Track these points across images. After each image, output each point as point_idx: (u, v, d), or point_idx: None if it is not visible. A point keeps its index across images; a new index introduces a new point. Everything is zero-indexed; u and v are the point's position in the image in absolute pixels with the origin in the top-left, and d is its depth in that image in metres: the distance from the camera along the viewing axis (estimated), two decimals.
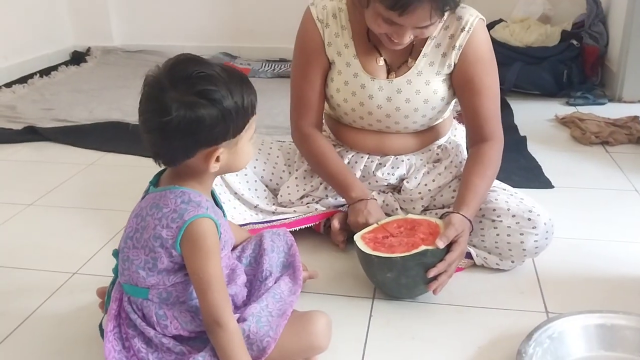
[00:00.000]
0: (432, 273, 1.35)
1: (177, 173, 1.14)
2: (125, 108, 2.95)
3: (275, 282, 1.28)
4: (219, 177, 1.62)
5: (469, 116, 1.59)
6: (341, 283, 1.53)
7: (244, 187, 1.72)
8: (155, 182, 1.17)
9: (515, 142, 2.46)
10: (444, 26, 1.55)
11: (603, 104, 2.97)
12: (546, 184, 2.12)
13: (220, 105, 1.04)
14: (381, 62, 1.59)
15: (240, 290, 1.23)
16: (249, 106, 1.10)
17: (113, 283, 1.24)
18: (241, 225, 1.61)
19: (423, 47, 1.57)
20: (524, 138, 2.53)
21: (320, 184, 1.71)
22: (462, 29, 1.53)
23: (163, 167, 1.14)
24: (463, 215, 1.42)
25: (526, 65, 3.11)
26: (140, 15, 4.07)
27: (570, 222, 1.80)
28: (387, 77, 1.59)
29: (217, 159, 1.10)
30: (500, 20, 3.37)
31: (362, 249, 1.41)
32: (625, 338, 1.25)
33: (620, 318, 1.28)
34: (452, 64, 1.56)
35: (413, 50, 1.58)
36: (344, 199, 1.64)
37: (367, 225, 1.50)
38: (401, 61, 1.59)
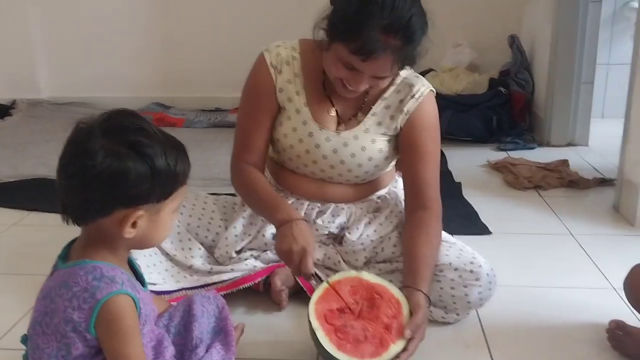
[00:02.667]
0: None
1: (88, 241, 1.05)
2: (52, 163, 2.70)
3: (206, 351, 1.20)
4: None
5: (409, 181, 1.59)
6: (281, 347, 1.46)
7: (177, 246, 1.64)
8: (64, 255, 1.07)
9: (450, 189, 2.47)
10: (396, 90, 1.58)
11: (533, 148, 3.06)
12: (484, 230, 2.13)
13: (150, 161, 0.98)
14: (333, 112, 1.60)
15: None
16: (180, 173, 1.04)
17: None
18: (174, 291, 1.53)
19: (374, 105, 1.59)
20: (459, 184, 2.56)
21: (258, 232, 1.65)
22: (412, 96, 1.56)
23: (71, 224, 1.04)
24: (423, 293, 1.38)
25: (457, 112, 3.18)
26: (69, 65, 3.95)
27: (510, 269, 1.80)
28: (337, 129, 1.59)
29: (134, 225, 1.01)
30: (430, 70, 3.45)
31: (323, 346, 1.25)
32: None
33: None
34: (399, 127, 1.59)
35: (364, 106, 1.60)
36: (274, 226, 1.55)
37: (291, 252, 1.39)
38: (351, 114, 1.60)
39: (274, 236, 1.51)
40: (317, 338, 1.27)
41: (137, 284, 1.08)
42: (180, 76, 3.91)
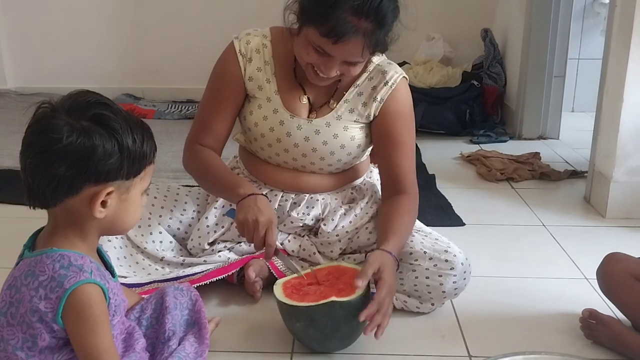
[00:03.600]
0: (362, 317, 1.27)
1: (55, 228, 1.01)
2: (18, 155, 2.73)
3: (179, 344, 1.18)
4: None
5: (386, 170, 1.59)
6: (257, 338, 1.44)
7: (148, 239, 1.60)
8: (31, 244, 1.04)
9: (424, 181, 2.48)
10: (369, 77, 1.57)
11: (505, 141, 3.08)
12: (457, 221, 2.14)
13: (117, 135, 0.96)
14: (304, 100, 1.58)
15: (140, 357, 1.12)
16: (147, 150, 1.01)
17: None
18: (146, 283, 1.50)
19: (346, 92, 1.57)
20: (433, 176, 2.57)
21: (232, 223, 1.63)
22: (385, 83, 1.55)
23: (38, 208, 1.00)
24: (383, 249, 1.38)
25: (431, 105, 3.19)
26: (35, 55, 3.85)
27: (484, 260, 1.81)
28: (308, 117, 1.57)
29: (104, 204, 0.98)
30: (404, 63, 3.46)
31: (275, 294, 1.34)
32: None
33: (542, 359, 1.26)
34: (372, 115, 1.57)
35: (336, 93, 1.58)
36: (232, 201, 1.51)
37: (257, 222, 1.38)
38: (323, 101, 1.58)
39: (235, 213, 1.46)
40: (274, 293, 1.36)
41: (107, 273, 1.05)
42: (150, 66, 3.84)
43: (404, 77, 1.58)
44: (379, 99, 1.55)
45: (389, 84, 1.55)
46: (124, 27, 3.80)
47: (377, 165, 1.73)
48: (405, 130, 1.57)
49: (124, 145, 0.97)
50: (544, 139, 3.14)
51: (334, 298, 1.29)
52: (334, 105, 1.58)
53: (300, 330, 1.34)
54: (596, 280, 1.49)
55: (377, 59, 1.57)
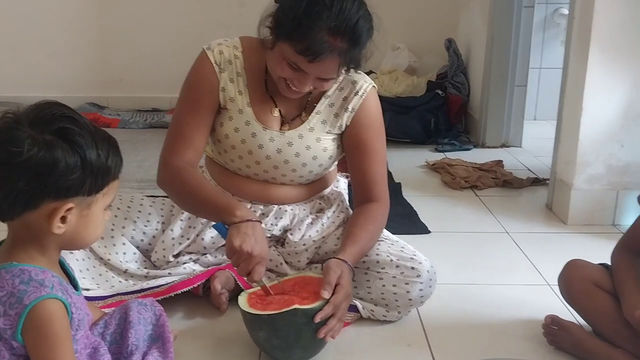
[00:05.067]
0: (318, 317, 1.29)
1: (15, 242, 0.99)
2: None
3: (142, 358, 1.16)
4: None
5: (357, 178, 1.60)
6: (223, 350, 1.42)
7: (111, 250, 1.57)
8: None
9: (391, 189, 2.45)
10: (339, 87, 1.57)
11: (469, 149, 3.13)
12: (423, 229, 2.16)
13: (81, 151, 0.94)
14: (276, 112, 1.57)
15: None
16: (112, 166, 1.00)
17: None
18: (109, 296, 1.47)
19: (317, 103, 1.57)
20: (399, 185, 2.59)
21: (197, 235, 1.61)
22: (356, 93, 1.56)
23: None
24: (339, 258, 1.40)
25: (396, 114, 3.22)
26: None
27: (449, 268, 1.83)
28: (281, 129, 1.57)
29: (64, 219, 0.96)
30: (370, 72, 3.48)
31: (239, 304, 1.34)
32: None
33: None
34: (344, 125, 1.58)
35: (307, 105, 1.58)
36: (226, 222, 1.42)
37: (250, 256, 1.33)
38: (295, 114, 1.58)
39: (228, 233, 1.39)
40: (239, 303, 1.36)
41: (70, 287, 1.03)
42: (115, 75, 3.80)
43: (373, 86, 1.59)
44: (350, 109, 1.56)
45: (360, 93, 1.56)
46: (88, 35, 3.75)
47: (345, 173, 1.74)
48: (376, 138, 1.59)
49: (87, 161, 0.95)
50: (507, 147, 3.20)
51: (296, 306, 1.29)
52: (306, 117, 1.58)
53: (264, 339, 1.33)
54: (558, 287, 1.52)
55: None
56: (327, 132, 1.58)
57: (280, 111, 1.58)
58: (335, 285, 1.34)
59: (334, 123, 1.58)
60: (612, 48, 2.08)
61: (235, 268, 1.38)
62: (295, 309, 1.28)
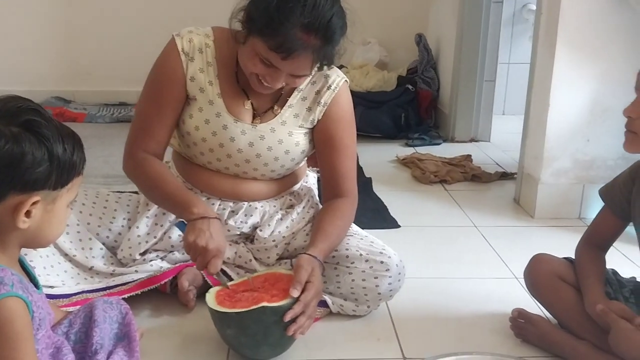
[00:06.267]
0: (288, 316, 1.28)
1: None
2: None
3: (108, 357, 1.15)
4: None
5: (327, 173, 1.59)
6: (190, 348, 1.41)
7: (77, 246, 1.54)
8: None
9: (361, 184, 2.48)
10: (312, 81, 1.56)
11: (438, 144, 3.14)
12: (393, 223, 2.17)
13: (48, 143, 0.94)
14: (248, 105, 1.54)
15: None
16: (77, 161, 0.99)
17: None
18: (75, 294, 1.45)
19: (290, 97, 1.56)
20: (370, 179, 2.59)
21: (164, 233, 1.59)
22: (329, 87, 1.54)
23: None
24: (310, 255, 1.39)
25: (367, 109, 3.22)
26: None
27: (418, 262, 1.84)
28: (252, 122, 1.55)
29: (29, 214, 0.95)
30: (342, 67, 3.47)
31: (207, 302, 1.32)
32: None
33: (473, 359, 1.29)
34: (316, 120, 1.57)
35: (280, 99, 1.56)
36: (184, 219, 1.45)
37: (205, 250, 1.35)
38: (267, 107, 1.56)
39: (185, 230, 1.41)
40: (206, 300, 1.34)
41: (30, 285, 1.02)
42: (82, 69, 3.73)
43: (345, 80, 1.58)
44: (322, 102, 1.55)
45: (332, 87, 1.55)
46: (54, 28, 3.68)
47: (315, 168, 1.73)
48: (346, 133, 1.58)
49: (54, 154, 0.95)
50: (476, 141, 3.22)
51: (264, 304, 1.28)
52: (278, 111, 1.56)
53: (232, 337, 1.32)
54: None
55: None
56: (300, 126, 1.57)
57: (252, 104, 1.55)
58: (306, 283, 1.33)
59: (307, 117, 1.56)
60: (579, 44, 2.11)
61: (184, 254, 1.40)
62: (263, 307, 1.27)
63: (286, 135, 1.56)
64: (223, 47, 1.53)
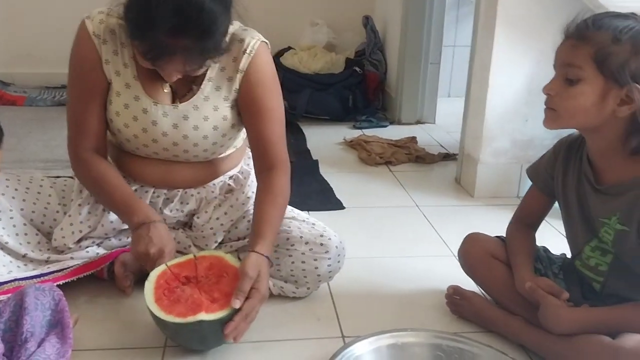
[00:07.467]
0: (228, 329, 1.26)
1: None
2: None
3: (39, 346, 1.12)
4: None
5: (254, 141, 1.53)
6: (128, 334, 1.39)
7: (10, 232, 1.50)
8: None
9: (308, 166, 2.52)
10: (227, 49, 1.48)
11: (385, 126, 3.17)
12: (338, 205, 2.19)
13: None
14: (167, 88, 1.48)
15: None
16: None
17: None
18: (6, 282, 1.40)
19: (208, 70, 1.48)
20: (316, 162, 2.60)
21: (99, 222, 1.55)
22: (244, 52, 1.47)
23: None
24: (258, 253, 1.35)
25: (315, 91, 3.22)
26: None
27: (361, 242, 1.86)
28: (173, 103, 1.49)
29: None
30: (289, 48, 3.45)
31: (146, 298, 1.28)
32: (415, 355, 1.30)
33: (409, 336, 1.32)
34: (238, 88, 1.50)
35: (198, 76, 1.48)
36: (128, 227, 1.47)
37: (147, 255, 1.36)
38: (186, 88, 1.49)
39: (131, 236, 1.43)
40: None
41: None
42: (22, 50, 3.61)
43: (262, 41, 1.49)
44: (240, 69, 1.47)
45: (247, 51, 1.47)
46: None
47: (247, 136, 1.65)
48: (269, 95, 1.49)
49: None
50: (422, 123, 3.26)
51: (202, 317, 1.24)
52: (198, 87, 1.48)
53: (169, 335, 1.33)
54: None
55: (232, 28, 1.44)
56: (224, 99, 1.49)
57: (170, 87, 1.49)
58: (252, 289, 1.29)
59: (229, 87, 1.49)
60: (518, 24, 2.13)
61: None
62: (200, 320, 1.24)
63: (211, 110, 1.49)
64: None
